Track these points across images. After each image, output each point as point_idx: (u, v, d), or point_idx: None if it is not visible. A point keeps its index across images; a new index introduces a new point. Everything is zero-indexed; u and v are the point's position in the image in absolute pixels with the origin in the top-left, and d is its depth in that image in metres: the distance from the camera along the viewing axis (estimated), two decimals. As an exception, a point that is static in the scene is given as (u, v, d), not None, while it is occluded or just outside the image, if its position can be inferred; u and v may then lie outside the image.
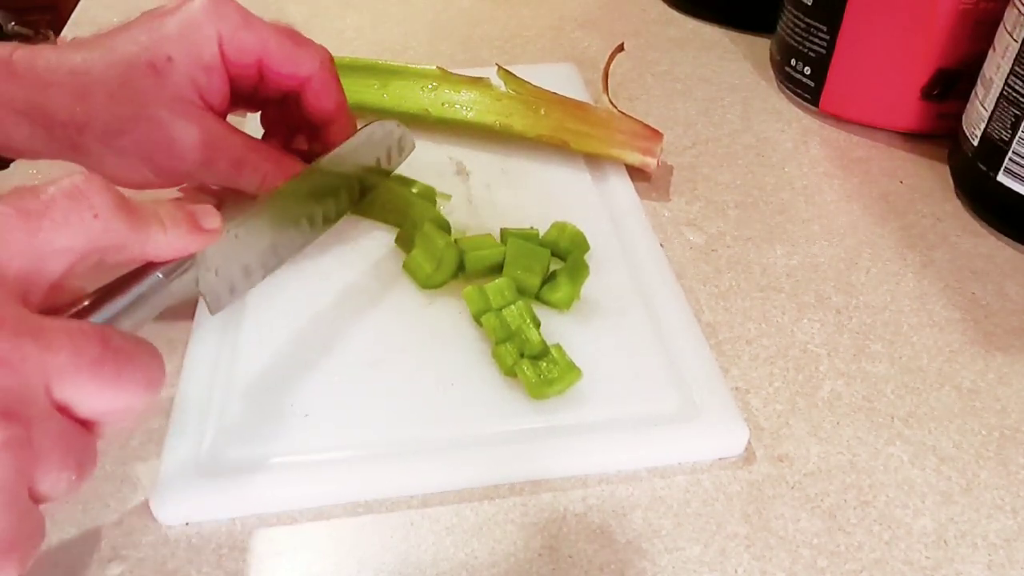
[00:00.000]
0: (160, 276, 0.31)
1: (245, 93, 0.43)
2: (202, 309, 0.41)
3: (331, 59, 0.43)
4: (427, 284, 0.41)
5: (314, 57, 0.42)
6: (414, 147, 0.47)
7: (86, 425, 0.26)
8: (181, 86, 0.39)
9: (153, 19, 0.40)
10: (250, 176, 0.42)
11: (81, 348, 0.25)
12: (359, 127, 0.44)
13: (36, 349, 0.24)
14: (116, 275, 0.30)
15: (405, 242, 0.44)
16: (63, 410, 0.25)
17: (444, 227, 0.43)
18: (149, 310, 0.30)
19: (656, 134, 0.50)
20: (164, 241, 0.30)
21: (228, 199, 0.45)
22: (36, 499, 0.25)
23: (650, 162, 0.50)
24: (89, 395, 0.26)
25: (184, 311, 0.42)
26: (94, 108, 0.38)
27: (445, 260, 0.41)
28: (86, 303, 0.28)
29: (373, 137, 0.44)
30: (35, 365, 0.24)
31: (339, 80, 0.44)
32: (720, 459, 0.36)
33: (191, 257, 0.32)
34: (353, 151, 0.43)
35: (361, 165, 0.44)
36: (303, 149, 0.45)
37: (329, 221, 0.43)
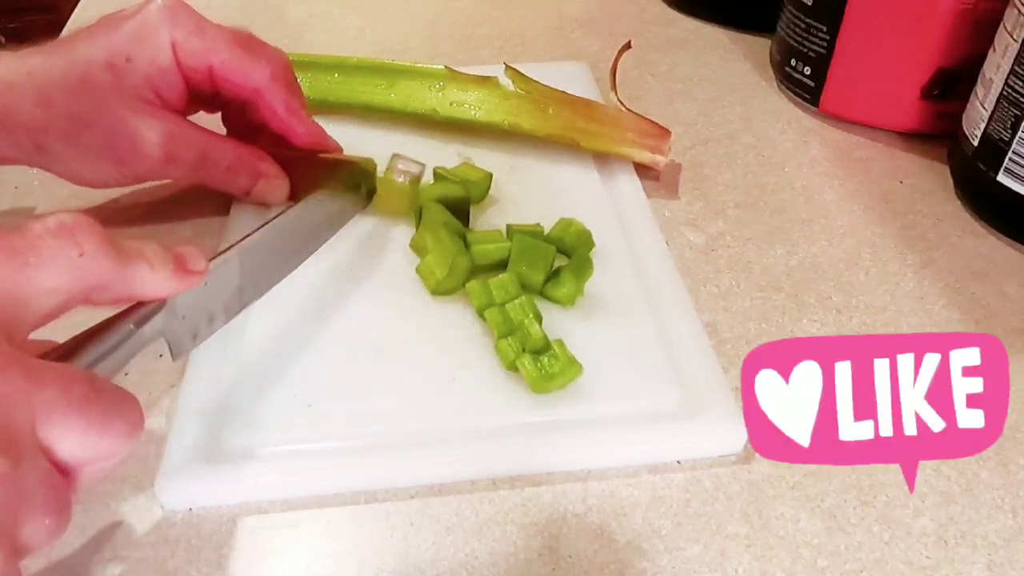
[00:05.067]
0: (132, 326, 0.30)
1: (204, 95, 0.43)
2: None
3: (285, 68, 0.43)
4: (438, 290, 0.41)
5: (265, 67, 0.42)
6: (375, 192, 0.47)
7: (64, 472, 0.25)
8: (139, 85, 0.40)
9: (112, 22, 0.40)
10: (212, 171, 0.42)
11: (69, 386, 0.25)
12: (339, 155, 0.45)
13: (24, 384, 0.24)
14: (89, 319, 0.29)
15: (419, 246, 0.44)
16: (45, 452, 0.24)
17: (459, 233, 0.43)
18: (119, 361, 0.30)
19: (665, 132, 0.50)
20: (151, 280, 0.29)
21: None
22: (16, 550, 0.24)
23: (659, 160, 0.50)
24: (75, 437, 0.25)
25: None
26: (55, 109, 0.39)
27: (457, 267, 0.41)
28: (57, 354, 0.27)
29: (340, 197, 0.44)
30: (23, 400, 0.24)
31: (295, 88, 0.44)
32: (720, 458, 0.36)
33: (163, 303, 0.31)
34: (319, 202, 0.42)
35: (328, 212, 0.43)
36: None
37: (292, 265, 0.41)
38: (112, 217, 0.47)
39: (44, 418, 0.24)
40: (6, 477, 0.22)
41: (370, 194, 0.47)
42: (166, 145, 0.41)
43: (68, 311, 0.28)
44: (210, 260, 0.33)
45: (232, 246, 0.36)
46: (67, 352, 0.28)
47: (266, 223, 0.38)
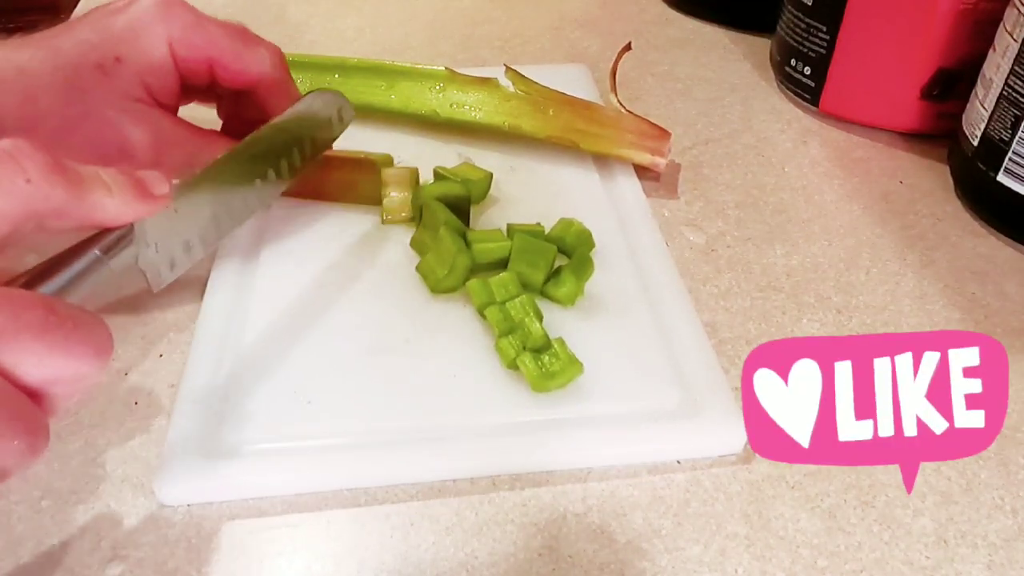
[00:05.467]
0: (98, 253, 0.30)
1: (198, 88, 0.43)
2: (210, 294, 0.42)
3: (282, 58, 0.43)
4: (438, 288, 0.41)
5: (264, 57, 0.42)
6: (353, 117, 0.47)
7: (34, 397, 0.25)
8: (130, 85, 0.39)
9: (101, 18, 0.40)
10: None
11: (20, 311, 0.25)
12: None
13: None
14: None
15: (420, 245, 0.44)
16: (7, 376, 0.25)
17: (460, 232, 0.43)
18: (89, 288, 0.29)
19: (664, 133, 0.50)
20: (111, 205, 0.29)
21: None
22: None
23: (660, 162, 0.50)
24: (35, 359, 0.25)
25: (190, 296, 0.42)
26: (42, 109, 0.38)
27: (457, 266, 0.41)
28: (22, 282, 0.27)
29: (312, 107, 0.44)
30: None
31: (291, 79, 0.44)
32: (720, 458, 0.36)
33: (130, 231, 0.31)
34: (292, 120, 0.42)
35: (299, 134, 0.43)
36: None
37: (269, 191, 0.42)
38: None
39: (2, 341, 0.24)
40: None
41: (346, 120, 0.46)
42: (155, 146, 0.40)
43: (22, 239, 0.28)
44: (177, 187, 0.33)
45: (199, 171, 0.36)
46: (31, 280, 0.28)
47: (234, 146, 0.38)
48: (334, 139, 0.46)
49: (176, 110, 0.43)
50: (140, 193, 0.31)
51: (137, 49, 0.39)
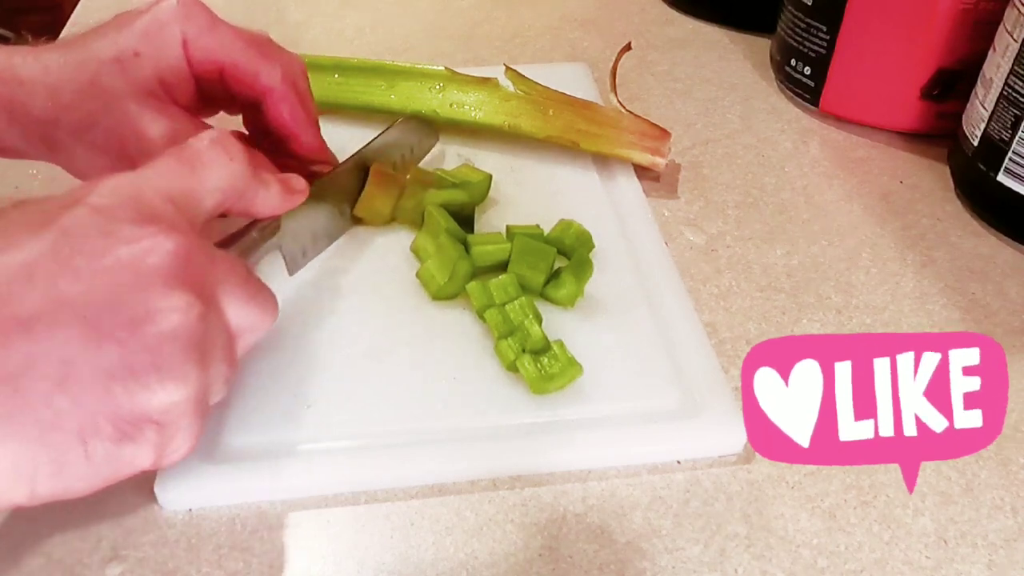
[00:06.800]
0: (255, 235, 0.37)
1: (217, 95, 0.43)
2: None
3: (299, 74, 0.43)
4: (438, 295, 0.41)
5: (276, 69, 0.42)
6: (438, 138, 0.51)
7: (232, 337, 0.32)
8: (148, 81, 0.40)
9: (125, 19, 0.40)
10: None
11: (235, 265, 0.32)
12: (389, 125, 0.48)
13: (208, 259, 0.31)
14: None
15: (420, 251, 0.44)
16: (220, 315, 0.31)
17: (460, 238, 0.43)
18: (259, 254, 0.38)
19: (664, 133, 0.50)
20: (265, 196, 0.36)
21: None
22: (206, 384, 0.30)
23: (659, 162, 0.50)
24: (239, 304, 0.32)
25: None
26: (65, 104, 0.39)
27: (458, 273, 0.41)
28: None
29: (404, 131, 0.49)
30: (208, 269, 0.31)
31: (306, 96, 0.44)
32: (720, 458, 0.36)
33: (277, 221, 0.38)
34: (385, 145, 0.47)
35: (390, 157, 0.48)
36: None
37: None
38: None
39: (220, 284, 0.31)
40: (202, 315, 0.29)
41: (430, 141, 0.51)
42: (171, 142, 0.40)
43: (220, 212, 0.34)
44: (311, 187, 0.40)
45: (324, 174, 0.43)
46: (235, 236, 0.37)
47: (358, 151, 0.45)
48: (418, 161, 0.50)
49: (197, 114, 0.43)
50: (285, 188, 0.38)
51: (154, 45, 0.40)
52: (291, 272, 0.41)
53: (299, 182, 0.38)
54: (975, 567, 0.33)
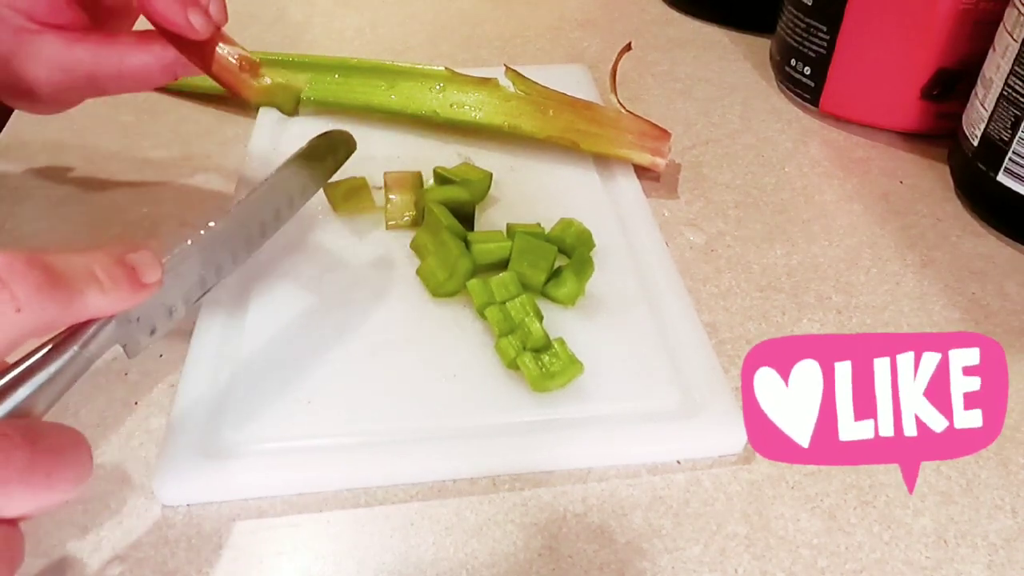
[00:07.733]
0: (77, 349, 0.28)
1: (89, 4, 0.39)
2: (208, 296, 0.41)
3: None
4: (439, 292, 0.41)
5: None
6: (355, 148, 0.45)
7: (10, 523, 0.25)
8: (10, 18, 0.36)
9: None
10: (110, 85, 0.38)
11: (7, 458, 0.24)
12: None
13: None
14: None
15: (420, 248, 0.44)
16: None
17: (460, 236, 0.43)
18: (67, 382, 0.28)
19: (664, 133, 0.50)
20: (103, 304, 0.28)
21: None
22: None
23: (660, 162, 0.50)
24: (19, 501, 0.24)
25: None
26: None
27: (458, 270, 0.41)
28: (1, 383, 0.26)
29: (315, 151, 0.42)
30: None
31: None
32: (720, 458, 0.36)
33: (111, 319, 0.29)
34: (284, 179, 0.40)
35: (293, 188, 0.41)
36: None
37: (257, 243, 0.39)
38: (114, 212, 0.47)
39: None
40: None
41: (339, 162, 0.44)
42: (56, 78, 0.37)
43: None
44: (167, 259, 0.32)
45: (191, 239, 0.34)
46: (5, 389, 0.26)
47: (229, 210, 0.37)
48: (335, 171, 0.44)
49: (83, 25, 0.38)
50: (132, 284, 0.28)
51: None
52: (132, 356, 0.32)
53: (152, 270, 0.29)
54: (975, 567, 0.33)
